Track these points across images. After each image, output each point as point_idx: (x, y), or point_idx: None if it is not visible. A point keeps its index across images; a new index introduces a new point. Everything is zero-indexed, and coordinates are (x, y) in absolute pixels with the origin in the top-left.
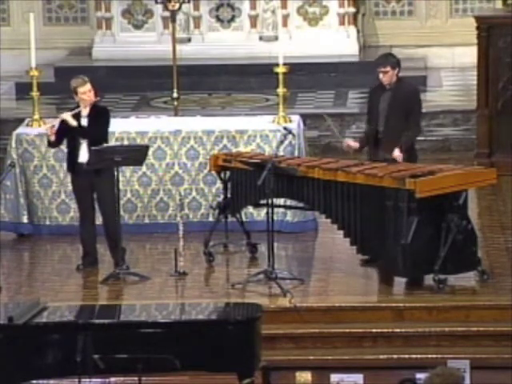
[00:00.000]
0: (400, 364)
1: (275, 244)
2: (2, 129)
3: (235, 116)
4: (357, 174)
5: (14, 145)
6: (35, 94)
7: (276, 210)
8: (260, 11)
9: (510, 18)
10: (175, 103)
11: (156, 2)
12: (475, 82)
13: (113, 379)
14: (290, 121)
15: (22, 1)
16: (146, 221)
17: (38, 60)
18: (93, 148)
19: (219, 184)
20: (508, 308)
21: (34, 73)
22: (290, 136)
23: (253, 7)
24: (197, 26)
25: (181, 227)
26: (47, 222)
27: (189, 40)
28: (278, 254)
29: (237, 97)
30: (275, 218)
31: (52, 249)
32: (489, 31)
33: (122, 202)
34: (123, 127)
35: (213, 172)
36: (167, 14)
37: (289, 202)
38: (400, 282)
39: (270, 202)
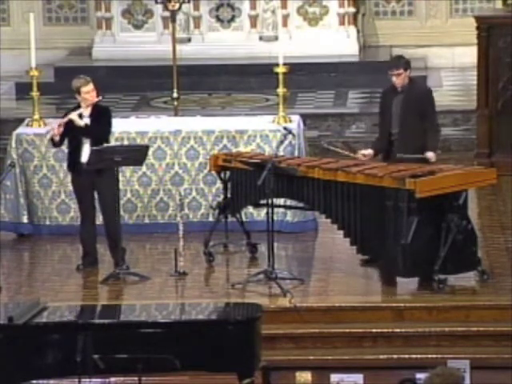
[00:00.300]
0: (400, 364)
1: (275, 244)
2: (2, 129)
3: (235, 116)
4: (357, 174)
5: (14, 145)
6: (35, 94)
7: (276, 209)
8: (260, 11)
9: (510, 18)
10: (175, 103)
11: (156, 2)
12: (475, 82)
13: (113, 379)
14: (290, 121)
15: (22, 1)
16: (146, 221)
17: (38, 60)
18: (93, 148)
19: (219, 184)
20: (508, 308)
21: (34, 73)
22: (290, 136)
23: (253, 7)
24: (197, 26)
25: (181, 227)
26: (47, 222)
27: (189, 40)
28: (278, 254)
29: (237, 97)
30: (275, 217)
31: (52, 249)
32: (489, 31)
33: (122, 202)
34: (123, 127)
35: (213, 172)
36: (167, 14)
37: (289, 202)
38: (400, 281)
39: (270, 202)
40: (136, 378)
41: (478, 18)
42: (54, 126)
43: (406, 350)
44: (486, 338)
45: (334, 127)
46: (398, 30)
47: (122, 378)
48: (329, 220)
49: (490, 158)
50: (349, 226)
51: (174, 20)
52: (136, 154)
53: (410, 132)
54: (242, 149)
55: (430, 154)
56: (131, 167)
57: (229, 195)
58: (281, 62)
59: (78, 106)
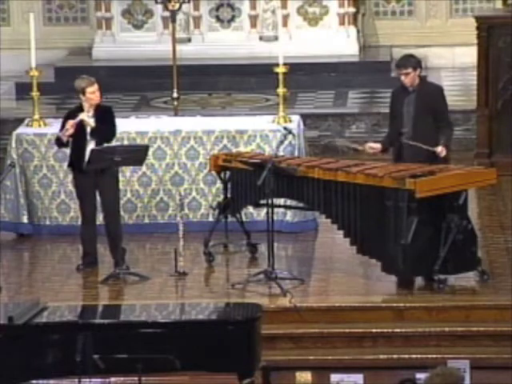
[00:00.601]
0: (400, 364)
1: (275, 244)
2: (2, 129)
3: (235, 116)
4: (357, 174)
5: (14, 145)
6: (35, 93)
7: (276, 209)
8: (260, 11)
9: (510, 18)
10: (175, 103)
11: (156, 2)
12: (475, 82)
13: (113, 379)
14: (290, 121)
15: (22, 1)
16: (146, 221)
17: (38, 60)
18: (93, 148)
19: (219, 184)
20: (508, 308)
21: (34, 73)
22: (290, 136)
23: (253, 7)
24: (197, 25)
25: (181, 227)
26: (47, 222)
27: (189, 40)
28: (278, 254)
29: (237, 97)
30: (275, 217)
31: (52, 249)
32: (489, 31)
33: (122, 202)
34: (123, 127)
35: (213, 172)
36: (167, 14)
37: (289, 202)
38: (400, 282)
39: (270, 202)
40: (136, 378)
41: (478, 18)
42: (68, 126)
43: (405, 349)
44: (485, 337)
45: (334, 127)
46: (398, 30)
47: (121, 378)
48: (329, 220)
49: (490, 158)
50: (349, 226)
51: (174, 20)
52: (136, 154)
53: (422, 131)
54: (242, 149)
55: (439, 149)
56: (131, 167)
57: (229, 195)
58: (281, 62)
59: (80, 107)
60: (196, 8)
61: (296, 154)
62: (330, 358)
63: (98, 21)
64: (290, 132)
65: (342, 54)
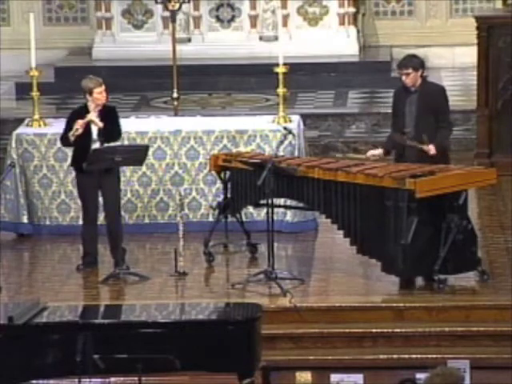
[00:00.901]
0: (400, 364)
1: (275, 244)
2: (2, 129)
3: (235, 116)
4: (357, 174)
5: (14, 145)
6: (35, 93)
7: (276, 210)
8: (260, 11)
9: (510, 18)
10: (175, 103)
11: (156, 2)
12: (475, 82)
13: (113, 379)
14: (290, 121)
15: (22, 1)
16: (146, 221)
17: (38, 60)
18: (93, 148)
19: (219, 184)
20: (508, 308)
21: (34, 73)
22: (290, 136)
23: (253, 7)
24: (197, 25)
25: (181, 227)
26: (47, 222)
27: (189, 40)
28: (278, 254)
29: (237, 97)
30: (275, 217)
31: (52, 249)
32: (489, 31)
33: (122, 202)
34: (123, 127)
35: (213, 172)
36: (167, 14)
37: (289, 202)
38: (400, 282)
39: (270, 202)
40: (136, 378)
41: (478, 18)
42: (77, 126)
43: (406, 349)
44: (486, 338)
45: (334, 127)
46: (398, 30)
47: (121, 378)
48: (329, 220)
49: (490, 158)
50: (349, 226)
51: (174, 20)
52: (136, 154)
53: (424, 131)
54: (242, 149)
55: (430, 146)
56: (131, 167)
57: (229, 195)
58: (281, 62)
59: (84, 107)
60: (196, 8)
61: (296, 154)
62: (330, 357)
63: (98, 21)
64: (290, 132)
65: (341, 53)
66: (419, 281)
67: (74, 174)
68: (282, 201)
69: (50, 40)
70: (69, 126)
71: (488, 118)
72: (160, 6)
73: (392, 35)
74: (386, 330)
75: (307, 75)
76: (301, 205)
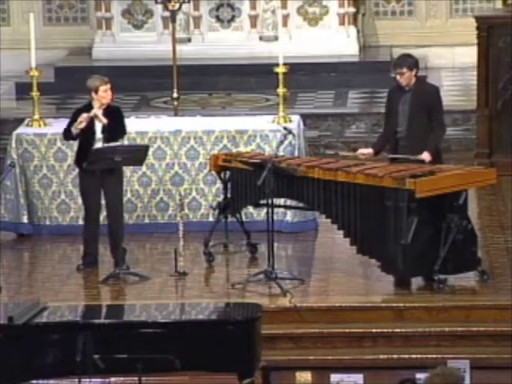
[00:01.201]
0: (400, 364)
1: (275, 244)
2: (2, 129)
3: (235, 116)
4: (357, 174)
5: (14, 145)
6: (35, 94)
7: (276, 209)
8: (260, 11)
9: (510, 18)
10: (175, 103)
11: (156, 2)
12: (475, 82)
13: (113, 379)
14: (290, 121)
15: (22, 1)
16: (146, 221)
17: (38, 60)
18: (93, 148)
19: (219, 184)
20: (508, 308)
21: (34, 73)
22: (290, 136)
23: (253, 7)
24: (197, 25)
25: (181, 227)
26: (47, 222)
27: (189, 40)
28: (278, 254)
29: (237, 97)
30: (275, 217)
31: (52, 249)
32: (489, 31)
33: None
34: None
35: (213, 172)
36: (167, 14)
37: (289, 202)
38: (400, 282)
39: (270, 202)
40: (136, 378)
41: (478, 18)
42: (81, 119)
43: (405, 349)
44: (486, 337)
45: (334, 127)
46: (398, 30)
47: (121, 378)
48: (329, 220)
49: (490, 158)
50: (349, 226)
51: (174, 20)
52: (136, 154)
53: (417, 131)
54: (242, 149)
55: (424, 155)
56: (131, 167)
57: (229, 195)
58: (281, 62)
59: (89, 105)
60: (196, 8)
61: (296, 154)
62: (330, 357)
63: (98, 21)
64: (290, 132)
65: (341, 53)
66: (419, 281)
67: (74, 174)
68: (281, 201)
69: (49, 40)
70: (72, 121)
71: (488, 117)
72: (160, 6)
73: (392, 35)
74: (385, 330)
75: (307, 75)
76: (301, 205)
